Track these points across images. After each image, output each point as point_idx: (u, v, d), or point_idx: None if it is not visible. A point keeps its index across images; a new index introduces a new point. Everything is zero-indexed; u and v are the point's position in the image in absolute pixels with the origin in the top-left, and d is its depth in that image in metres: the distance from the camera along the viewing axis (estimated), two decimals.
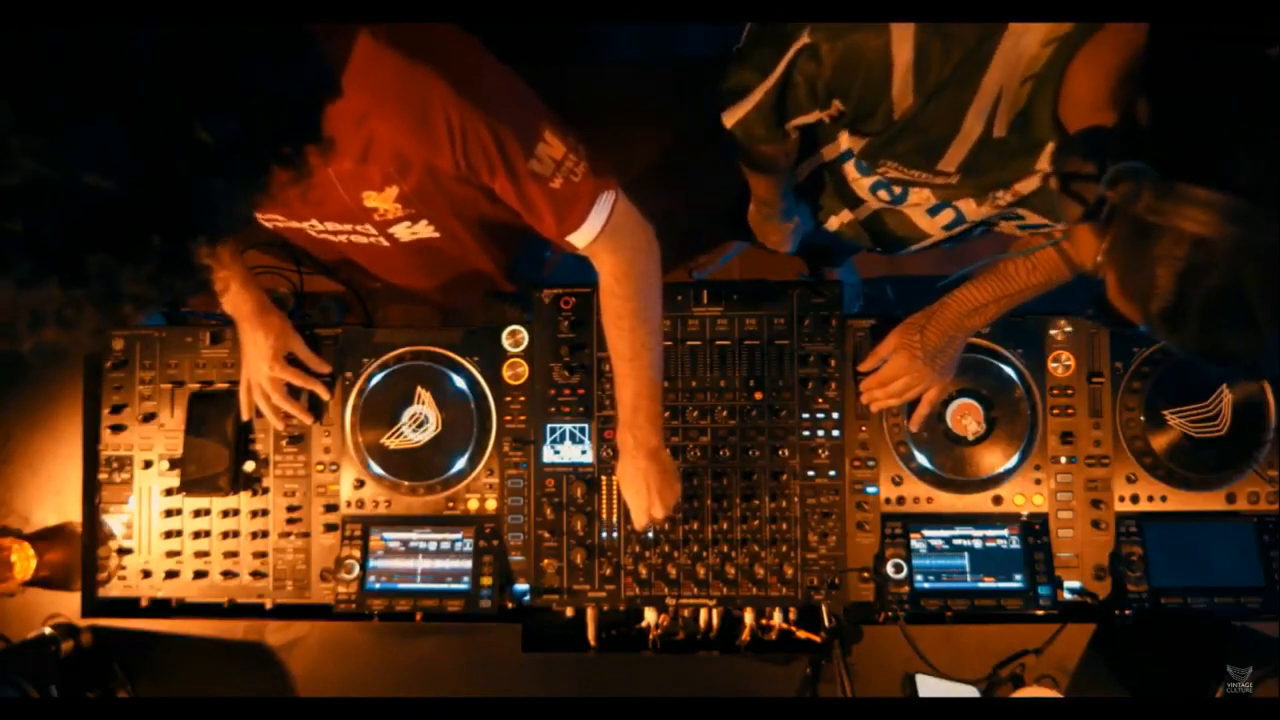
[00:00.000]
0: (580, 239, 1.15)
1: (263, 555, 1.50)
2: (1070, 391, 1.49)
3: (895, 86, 0.98)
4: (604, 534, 1.47)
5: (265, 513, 1.51)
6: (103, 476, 1.52)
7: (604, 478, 1.48)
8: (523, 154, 1.04)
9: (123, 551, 1.51)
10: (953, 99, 0.97)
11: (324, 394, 1.50)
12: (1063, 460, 1.48)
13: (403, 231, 1.22)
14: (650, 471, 1.32)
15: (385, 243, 1.25)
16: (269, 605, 1.50)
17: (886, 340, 1.44)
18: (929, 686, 1.36)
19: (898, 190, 1.26)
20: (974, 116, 0.99)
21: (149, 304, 0.69)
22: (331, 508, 1.50)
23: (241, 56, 0.65)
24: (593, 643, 1.47)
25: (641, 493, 1.34)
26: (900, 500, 1.48)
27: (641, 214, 1.21)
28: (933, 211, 1.30)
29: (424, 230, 1.23)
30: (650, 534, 1.46)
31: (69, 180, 0.58)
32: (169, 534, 1.50)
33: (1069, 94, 0.89)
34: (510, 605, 1.47)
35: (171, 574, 1.50)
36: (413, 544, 1.47)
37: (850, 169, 1.30)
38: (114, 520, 1.51)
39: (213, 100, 0.63)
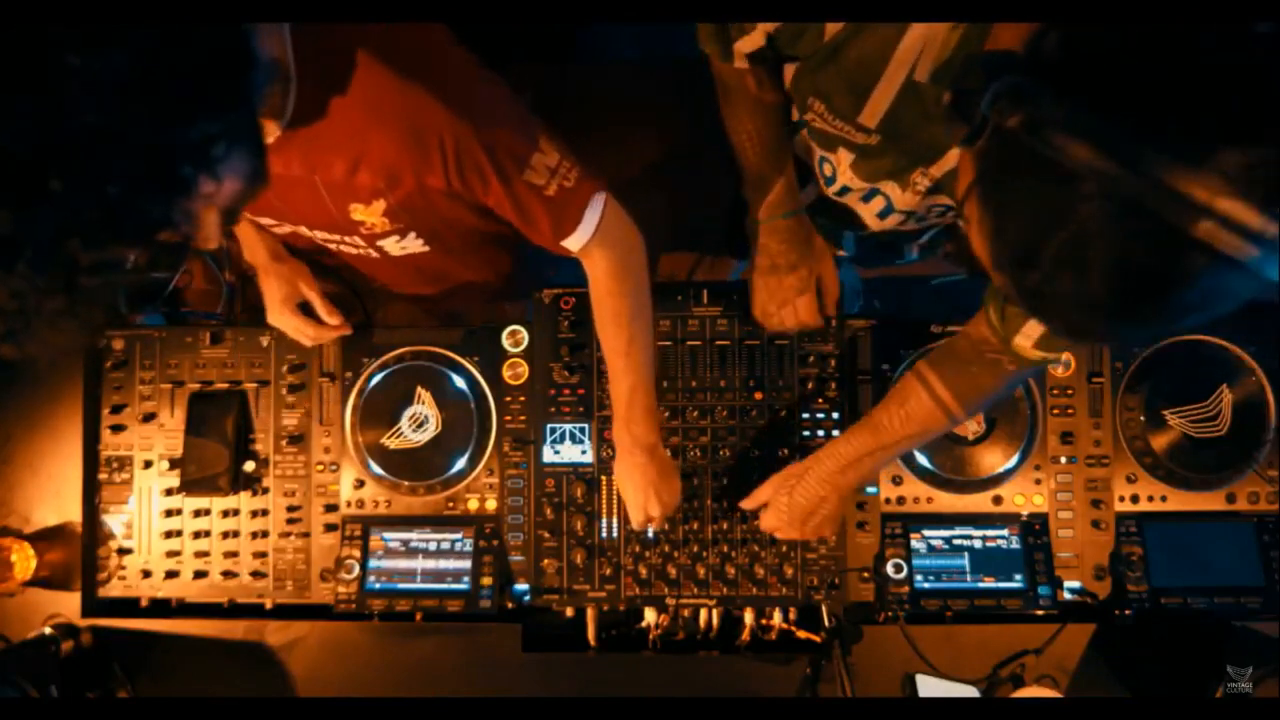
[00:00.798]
0: (575, 243, 1.16)
1: (263, 555, 1.50)
2: (1070, 391, 1.49)
3: None
4: (604, 534, 1.47)
5: (265, 513, 1.51)
6: (103, 476, 1.52)
7: (604, 478, 1.48)
8: (517, 167, 1.05)
9: (123, 551, 1.51)
10: (882, 37, 0.95)
11: (330, 334, 1.49)
12: (1063, 460, 1.48)
13: (392, 246, 1.22)
14: (647, 468, 1.32)
15: (375, 255, 1.25)
16: (269, 605, 1.50)
17: (763, 487, 1.37)
18: (929, 686, 1.36)
19: (828, 170, 1.25)
20: (898, 63, 0.96)
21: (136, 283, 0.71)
22: (331, 508, 1.50)
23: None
24: (593, 643, 1.47)
25: (639, 490, 1.33)
26: (900, 500, 1.48)
27: (627, 213, 1.22)
28: (866, 198, 1.29)
29: (414, 245, 1.23)
30: (650, 534, 1.46)
31: None
32: (169, 534, 1.50)
33: (996, 45, 0.84)
34: (510, 605, 1.48)
35: (171, 574, 1.50)
36: (413, 544, 1.47)
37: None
38: (114, 520, 1.51)
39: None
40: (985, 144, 0.70)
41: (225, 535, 1.50)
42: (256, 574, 1.50)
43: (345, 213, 1.11)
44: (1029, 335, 1.10)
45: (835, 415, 1.47)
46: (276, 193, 1.08)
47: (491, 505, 1.50)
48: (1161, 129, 0.60)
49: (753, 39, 1.12)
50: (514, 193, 1.07)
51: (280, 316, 1.45)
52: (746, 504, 1.39)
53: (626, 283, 1.22)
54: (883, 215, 1.30)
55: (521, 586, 1.48)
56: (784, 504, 1.33)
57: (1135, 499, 1.48)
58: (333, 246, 1.26)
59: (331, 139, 0.97)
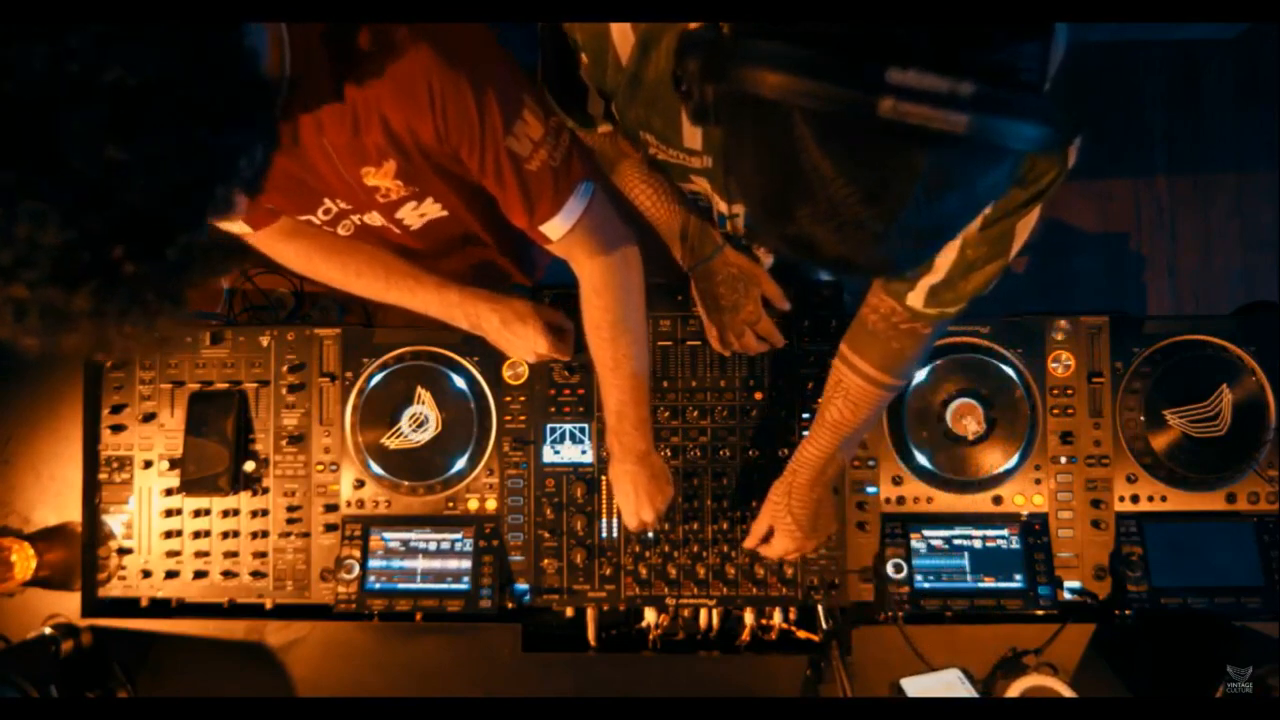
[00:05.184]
0: (553, 230, 1.09)
1: (263, 555, 1.50)
2: (1070, 391, 1.49)
3: (613, 26, 0.94)
4: (604, 534, 1.47)
5: (265, 513, 1.51)
6: (103, 476, 1.52)
7: (604, 478, 1.48)
8: (503, 126, 1.00)
9: (123, 551, 1.51)
10: (665, 50, 0.93)
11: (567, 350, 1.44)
12: (1063, 460, 1.48)
13: (410, 215, 1.20)
14: (638, 476, 1.32)
15: (395, 229, 1.24)
16: (269, 605, 1.50)
17: (759, 521, 1.38)
18: (915, 686, 1.35)
19: (704, 203, 1.24)
20: None
21: (174, 301, 0.71)
22: (331, 508, 1.51)
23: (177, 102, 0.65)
24: (593, 643, 1.47)
25: (630, 496, 1.33)
26: (900, 500, 1.48)
27: (623, 220, 1.18)
28: (731, 217, 1.29)
29: (431, 210, 1.21)
30: (650, 534, 1.46)
31: (10, 244, 0.60)
32: (169, 534, 1.50)
33: None
34: (510, 605, 1.47)
35: (171, 574, 1.50)
36: (413, 544, 1.47)
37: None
38: (114, 520, 1.51)
39: (128, 122, 0.63)
40: (708, 117, 0.71)
41: (225, 535, 1.50)
42: (256, 574, 1.50)
43: (358, 178, 1.09)
44: (919, 293, 1.09)
45: None
46: (302, 170, 1.07)
47: (491, 505, 1.50)
48: (827, 35, 0.59)
49: (595, 101, 1.12)
50: (496, 156, 1.01)
51: (543, 349, 1.37)
52: (750, 543, 1.40)
53: (611, 294, 1.18)
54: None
55: (521, 586, 1.48)
56: (789, 523, 1.33)
57: (1135, 499, 1.48)
58: (356, 221, 1.25)
59: (332, 102, 0.97)
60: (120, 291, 0.66)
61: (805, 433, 1.46)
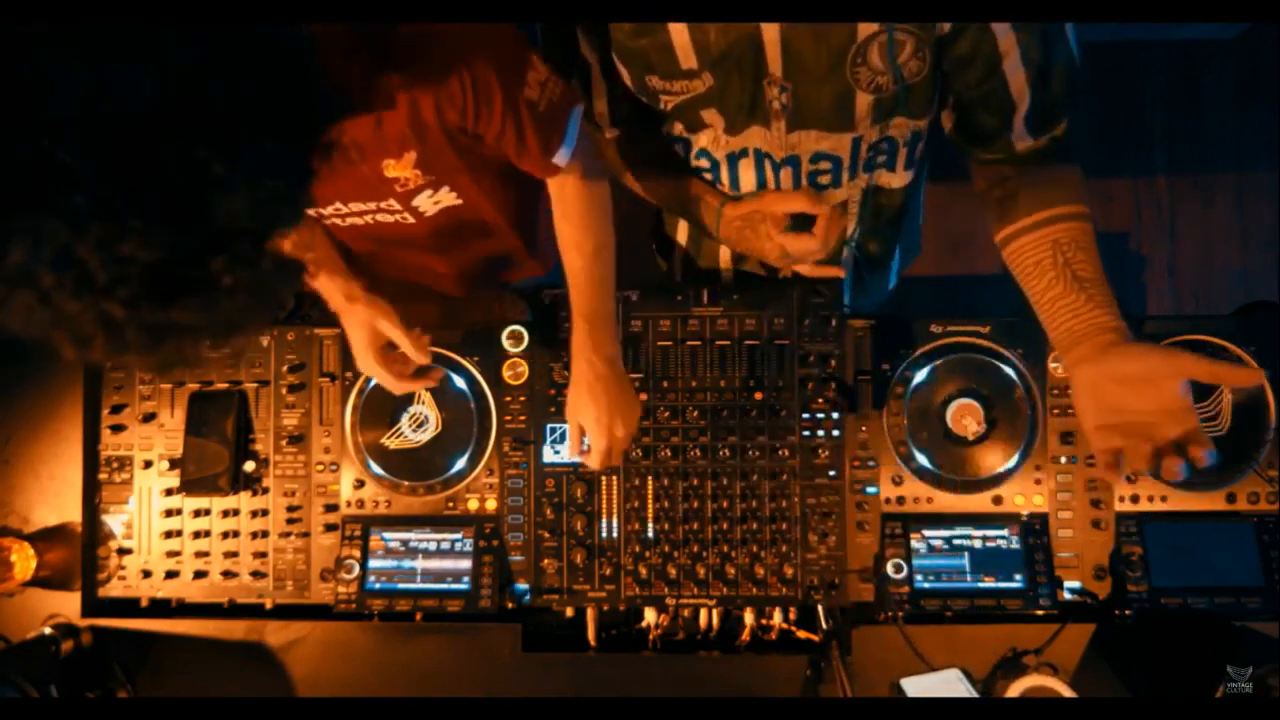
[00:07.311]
0: (562, 158, 1.16)
1: (263, 555, 1.50)
2: (1071, 391, 1.49)
3: None
4: (604, 534, 1.47)
5: (265, 513, 1.51)
6: (103, 476, 1.52)
7: (604, 478, 1.48)
8: (519, 82, 1.06)
9: (123, 551, 1.51)
10: None
11: (417, 384, 1.41)
12: (1063, 460, 1.48)
13: (426, 203, 1.22)
14: (609, 380, 1.28)
15: (410, 219, 1.25)
16: (269, 605, 1.50)
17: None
18: (915, 686, 1.35)
19: (700, 161, 1.26)
20: None
21: (264, 311, 0.74)
22: (331, 508, 1.51)
23: (238, 84, 0.67)
24: (593, 643, 1.47)
25: (602, 407, 1.27)
26: (900, 500, 1.48)
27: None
28: (736, 155, 1.31)
29: (446, 198, 1.23)
30: (650, 534, 1.46)
31: (112, 261, 0.61)
32: (169, 534, 1.50)
33: None
34: (510, 605, 1.47)
35: (171, 574, 1.50)
36: (413, 544, 1.47)
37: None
38: (114, 520, 1.51)
39: (228, 138, 0.65)
40: None
41: (225, 535, 1.50)
42: (256, 574, 1.50)
43: (379, 171, 1.11)
44: (1018, 132, 1.18)
45: (835, 415, 1.47)
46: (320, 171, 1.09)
47: (491, 505, 1.50)
48: None
49: (599, 96, 1.26)
50: (516, 111, 1.07)
51: (366, 364, 1.36)
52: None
53: (594, 198, 1.24)
54: (761, 183, 1.33)
55: (521, 586, 1.48)
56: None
57: (1135, 499, 1.48)
58: (367, 219, 1.26)
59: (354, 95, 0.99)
60: (218, 304, 0.68)
61: (809, 433, 1.46)
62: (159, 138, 0.61)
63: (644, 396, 1.47)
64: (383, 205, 1.21)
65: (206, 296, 0.67)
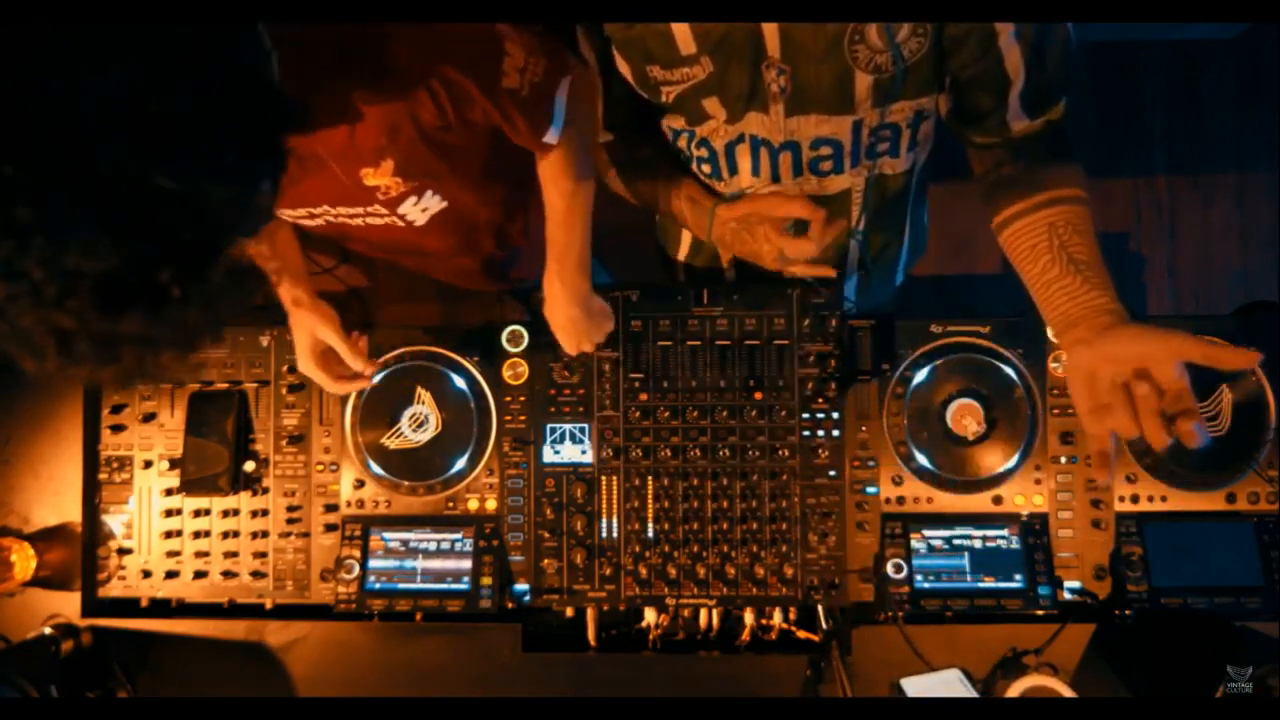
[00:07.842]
0: (553, 136, 1.17)
1: (263, 555, 1.50)
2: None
3: None
4: (604, 534, 1.47)
5: (265, 513, 1.51)
6: (103, 476, 1.52)
7: (604, 478, 1.48)
8: (495, 75, 1.05)
9: (123, 551, 1.51)
10: None
11: (349, 386, 1.44)
12: (1063, 460, 1.48)
13: (414, 212, 1.22)
14: (578, 319, 1.37)
15: (400, 224, 1.25)
16: (269, 605, 1.50)
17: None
18: (915, 686, 1.35)
19: (700, 151, 1.27)
20: None
21: (217, 323, 0.74)
22: (331, 508, 1.51)
23: (195, 91, 0.66)
24: (593, 643, 1.47)
25: (570, 334, 1.39)
26: (900, 500, 1.48)
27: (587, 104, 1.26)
28: (733, 142, 1.30)
29: (433, 204, 1.23)
30: (650, 534, 1.46)
31: (58, 274, 0.61)
32: (169, 534, 1.50)
33: None
34: (510, 605, 1.47)
35: (171, 574, 1.50)
36: (413, 544, 1.47)
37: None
38: (114, 520, 1.51)
39: (172, 149, 0.64)
40: None
41: (225, 535, 1.50)
42: (256, 574, 1.50)
43: (358, 180, 1.11)
44: (1013, 111, 1.18)
45: (835, 415, 1.47)
46: (295, 176, 1.08)
47: (491, 505, 1.50)
48: None
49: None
50: (500, 105, 1.08)
51: (305, 365, 1.41)
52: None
53: (575, 152, 1.25)
54: (757, 170, 1.32)
55: (521, 586, 1.48)
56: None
57: (1135, 499, 1.48)
58: (358, 222, 1.26)
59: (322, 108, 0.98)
60: (168, 315, 0.68)
61: (809, 433, 1.46)
62: (97, 151, 0.60)
63: (644, 397, 1.47)
64: (370, 210, 1.21)
65: (156, 308, 0.66)
